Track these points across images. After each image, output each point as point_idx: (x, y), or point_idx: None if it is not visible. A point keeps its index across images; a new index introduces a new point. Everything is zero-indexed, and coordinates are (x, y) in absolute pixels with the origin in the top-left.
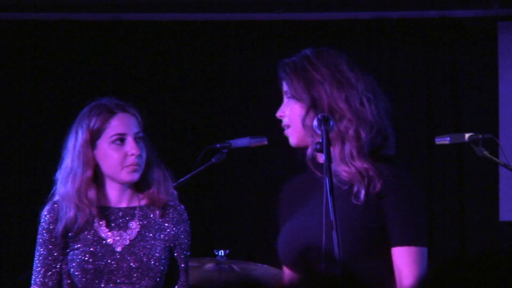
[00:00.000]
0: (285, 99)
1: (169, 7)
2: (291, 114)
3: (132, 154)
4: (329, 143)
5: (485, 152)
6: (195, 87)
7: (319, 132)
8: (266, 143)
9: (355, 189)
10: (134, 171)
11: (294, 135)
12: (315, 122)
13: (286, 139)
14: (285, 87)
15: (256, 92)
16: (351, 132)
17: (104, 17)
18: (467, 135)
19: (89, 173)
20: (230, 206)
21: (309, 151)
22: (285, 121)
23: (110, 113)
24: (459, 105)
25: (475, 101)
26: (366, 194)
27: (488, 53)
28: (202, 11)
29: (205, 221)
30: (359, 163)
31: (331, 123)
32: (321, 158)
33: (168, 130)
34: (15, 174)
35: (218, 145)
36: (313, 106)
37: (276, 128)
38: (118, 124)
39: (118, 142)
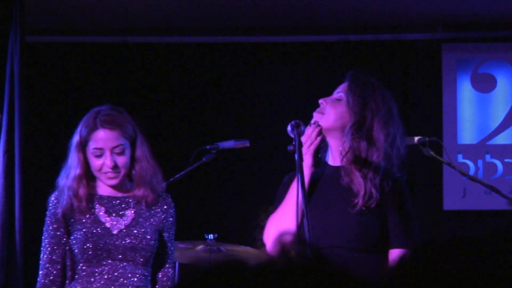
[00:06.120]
0: (336, 95)
1: (163, 32)
2: (334, 110)
3: (108, 166)
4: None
5: (431, 152)
6: (189, 99)
7: (292, 136)
8: (248, 145)
9: (356, 201)
10: (111, 178)
11: (323, 123)
12: (288, 128)
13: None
14: (344, 89)
15: (241, 101)
16: (375, 158)
17: (115, 40)
18: (416, 138)
19: (79, 171)
20: (218, 197)
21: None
22: (323, 110)
23: (94, 128)
24: (409, 113)
25: (423, 109)
26: (361, 207)
27: (433, 69)
28: (193, 34)
29: (197, 210)
30: (369, 184)
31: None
32: (331, 160)
33: (167, 134)
34: (41, 169)
35: (208, 147)
36: (358, 123)
37: (257, 132)
38: (98, 139)
39: (97, 154)
